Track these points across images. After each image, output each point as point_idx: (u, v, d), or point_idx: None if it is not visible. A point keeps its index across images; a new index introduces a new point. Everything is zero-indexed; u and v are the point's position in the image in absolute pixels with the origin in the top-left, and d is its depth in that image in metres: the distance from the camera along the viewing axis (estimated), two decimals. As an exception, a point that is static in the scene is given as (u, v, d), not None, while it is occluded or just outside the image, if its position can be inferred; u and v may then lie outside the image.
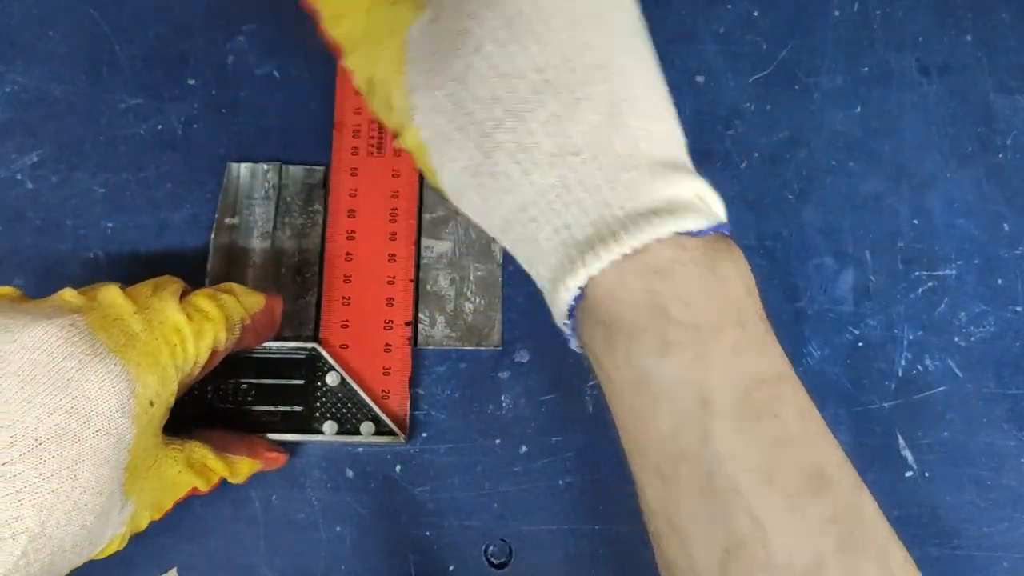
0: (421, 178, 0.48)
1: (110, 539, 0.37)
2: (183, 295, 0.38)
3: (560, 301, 0.29)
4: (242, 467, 0.42)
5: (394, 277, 0.46)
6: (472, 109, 0.28)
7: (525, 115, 0.28)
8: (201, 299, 0.38)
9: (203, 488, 0.40)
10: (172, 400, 0.36)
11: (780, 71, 0.52)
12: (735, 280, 0.28)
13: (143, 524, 0.39)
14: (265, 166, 0.48)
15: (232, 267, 0.46)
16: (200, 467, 0.40)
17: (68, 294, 0.35)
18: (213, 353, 0.38)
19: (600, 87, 0.28)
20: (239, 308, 0.39)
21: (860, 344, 0.49)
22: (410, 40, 0.30)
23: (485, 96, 0.28)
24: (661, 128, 0.30)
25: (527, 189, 0.28)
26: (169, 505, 0.40)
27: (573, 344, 0.33)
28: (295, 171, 0.48)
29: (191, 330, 0.36)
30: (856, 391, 0.48)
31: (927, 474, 0.47)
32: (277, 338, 0.44)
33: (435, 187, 0.34)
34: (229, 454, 0.41)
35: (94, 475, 0.32)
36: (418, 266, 0.47)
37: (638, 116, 0.29)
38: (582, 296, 0.28)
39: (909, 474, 0.47)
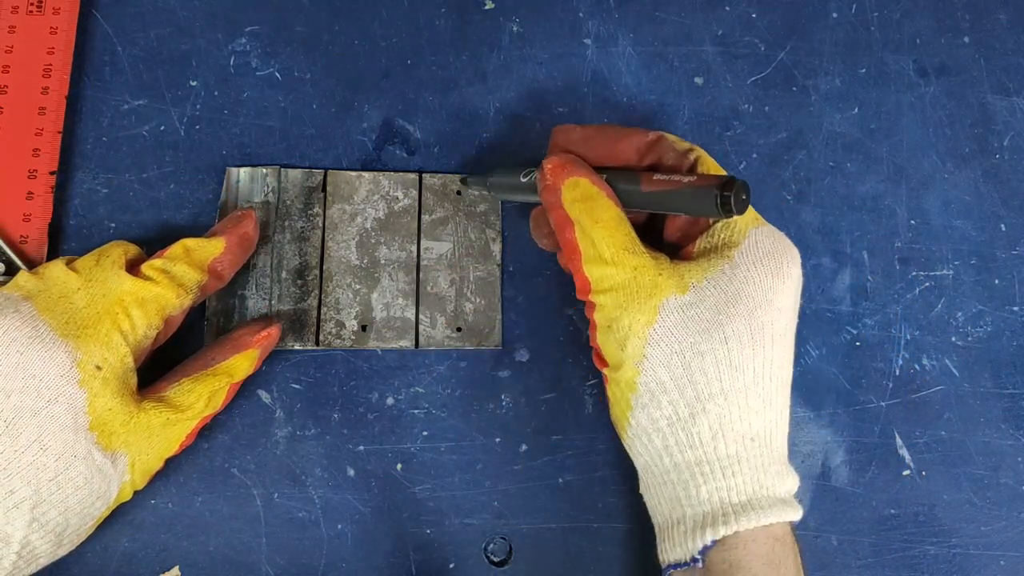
0: (78, 34, 0.48)
1: (120, 488, 0.40)
2: (139, 262, 0.41)
3: (700, 538, 0.36)
4: (238, 366, 0.42)
5: (43, 129, 0.46)
6: (698, 379, 0.36)
7: (733, 399, 0.36)
8: (149, 269, 0.40)
9: (210, 409, 0.41)
10: (129, 361, 0.38)
11: (778, 72, 0.53)
12: (800, 556, 0.37)
13: (154, 467, 0.41)
14: (264, 170, 0.48)
15: None
16: (190, 401, 0.40)
17: (22, 278, 0.40)
18: (169, 316, 0.40)
19: (781, 399, 0.38)
20: (192, 273, 0.41)
21: (858, 344, 0.49)
22: (665, 307, 0.37)
23: (712, 374, 0.36)
24: (787, 433, 0.39)
25: (710, 451, 0.36)
26: (175, 447, 0.41)
27: (682, 567, 0.38)
28: (294, 174, 0.48)
29: (133, 299, 0.39)
30: (854, 390, 0.48)
31: (924, 473, 0.48)
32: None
33: (615, 416, 0.41)
34: (217, 364, 0.42)
35: (59, 440, 0.36)
36: (418, 267, 0.48)
37: (786, 423, 0.39)
38: (717, 540, 0.36)
39: (906, 473, 0.48)
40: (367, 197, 0.48)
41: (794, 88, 0.53)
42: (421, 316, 0.47)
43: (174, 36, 0.50)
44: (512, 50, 0.52)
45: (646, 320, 0.37)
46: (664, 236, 0.42)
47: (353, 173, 0.48)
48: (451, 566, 0.45)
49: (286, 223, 0.47)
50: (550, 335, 0.48)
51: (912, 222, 0.51)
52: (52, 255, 0.46)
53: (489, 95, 0.51)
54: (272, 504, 0.45)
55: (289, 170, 0.48)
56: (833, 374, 0.49)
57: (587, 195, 0.39)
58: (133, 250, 0.42)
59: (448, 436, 0.46)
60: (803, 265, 0.48)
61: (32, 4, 0.48)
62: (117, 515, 0.43)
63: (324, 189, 0.48)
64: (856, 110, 0.53)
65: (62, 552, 0.39)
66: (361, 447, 0.46)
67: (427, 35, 0.51)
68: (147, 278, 0.40)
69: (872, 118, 0.53)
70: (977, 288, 0.50)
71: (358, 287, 0.47)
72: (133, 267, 0.41)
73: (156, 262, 0.40)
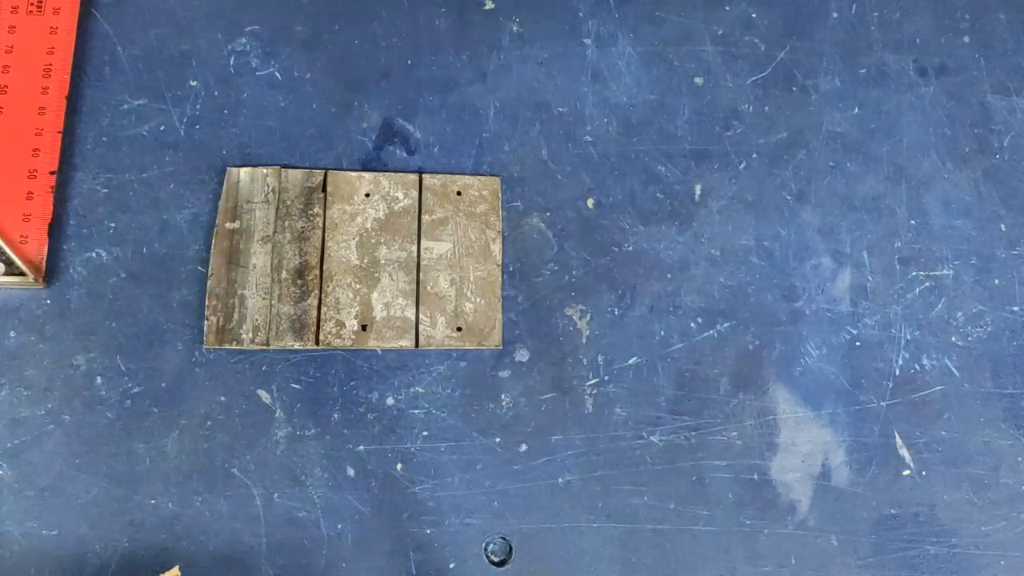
0: (77, 34, 0.48)
1: None
2: None
3: None
4: None
5: (43, 129, 0.46)
6: None
7: None
8: None
9: None
10: None
11: (778, 72, 0.53)
12: None
13: None
14: (264, 170, 0.48)
15: (232, 270, 0.46)
16: None
17: None
18: None
19: None
20: None
21: (858, 344, 0.49)
22: None
23: None
24: None
25: None
26: None
27: None
28: (294, 174, 0.48)
29: None
30: (854, 390, 0.48)
31: (924, 473, 0.48)
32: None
33: None
34: None
35: None
36: (418, 266, 0.48)
37: None
38: None
39: (907, 473, 0.48)
40: (367, 197, 0.48)
41: (794, 88, 0.53)
42: (421, 316, 0.47)
43: (174, 36, 0.50)
44: (512, 50, 0.52)
45: None
46: None
47: (353, 173, 0.48)
48: (451, 566, 0.45)
49: (286, 223, 0.47)
50: (550, 335, 0.48)
51: (912, 222, 0.51)
52: (52, 255, 0.46)
53: (489, 95, 0.51)
54: (272, 504, 0.45)
55: (289, 170, 0.48)
56: (833, 374, 0.49)
57: None
58: None
59: (448, 436, 0.46)
60: (803, 265, 0.48)
61: (32, 4, 0.48)
62: (117, 515, 0.43)
63: (324, 189, 0.48)
64: (856, 110, 0.53)
65: None
66: (361, 447, 0.46)
67: (427, 35, 0.51)
68: None
69: (872, 118, 0.53)
70: (977, 288, 0.50)
71: (358, 287, 0.47)
72: None
73: None
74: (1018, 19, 0.55)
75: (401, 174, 0.49)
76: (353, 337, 0.46)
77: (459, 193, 0.49)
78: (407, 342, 0.46)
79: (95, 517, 0.43)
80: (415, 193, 0.48)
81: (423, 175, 0.49)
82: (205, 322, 0.46)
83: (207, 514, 0.44)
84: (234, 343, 0.45)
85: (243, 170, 0.48)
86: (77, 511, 0.43)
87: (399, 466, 0.46)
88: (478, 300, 0.47)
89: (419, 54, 0.51)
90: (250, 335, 0.45)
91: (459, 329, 0.47)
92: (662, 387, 0.47)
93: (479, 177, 0.49)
